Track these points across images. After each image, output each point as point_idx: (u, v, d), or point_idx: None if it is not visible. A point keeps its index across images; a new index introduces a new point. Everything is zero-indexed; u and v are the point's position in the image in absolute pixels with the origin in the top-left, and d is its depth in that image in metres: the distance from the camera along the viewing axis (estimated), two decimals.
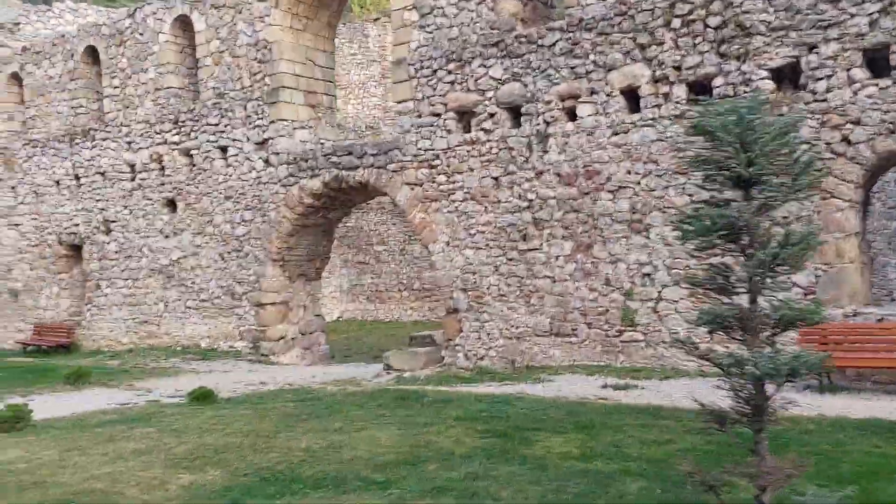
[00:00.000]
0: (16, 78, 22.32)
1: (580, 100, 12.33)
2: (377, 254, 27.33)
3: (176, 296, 18.37)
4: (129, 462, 6.91)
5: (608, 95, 12.02)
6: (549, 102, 12.64)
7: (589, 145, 12.22)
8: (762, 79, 10.57)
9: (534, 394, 10.24)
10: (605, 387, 10.61)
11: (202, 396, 10.35)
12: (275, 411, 9.35)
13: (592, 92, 12.19)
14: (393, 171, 14.59)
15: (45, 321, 21.15)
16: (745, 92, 10.34)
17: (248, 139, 16.91)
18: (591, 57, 12.12)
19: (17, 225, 22.19)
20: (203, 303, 17.83)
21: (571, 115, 12.50)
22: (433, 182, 14.07)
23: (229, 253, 17.34)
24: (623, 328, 11.91)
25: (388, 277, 27.26)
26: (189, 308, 18.12)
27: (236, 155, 17.14)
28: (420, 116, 14.23)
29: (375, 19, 35.95)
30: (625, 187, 11.91)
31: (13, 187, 22.20)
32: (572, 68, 12.36)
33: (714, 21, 10.97)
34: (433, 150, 14.05)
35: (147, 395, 11.49)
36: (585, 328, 12.31)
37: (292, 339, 17.03)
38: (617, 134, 11.96)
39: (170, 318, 18.49)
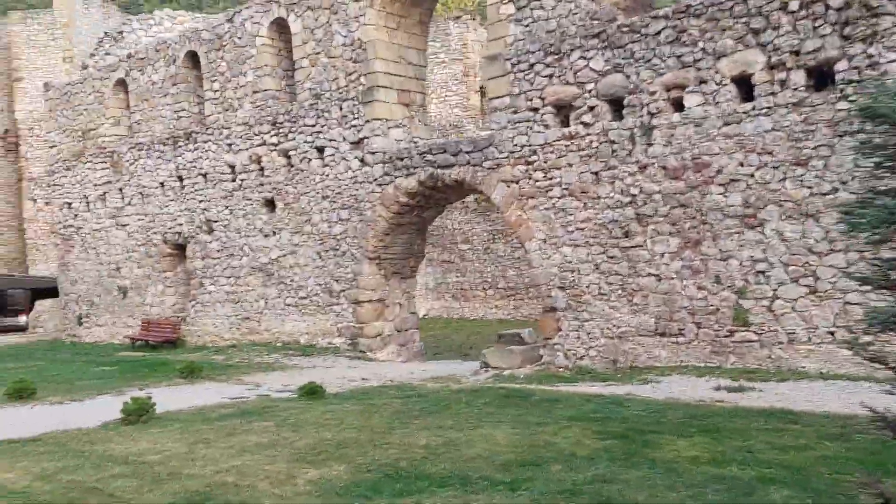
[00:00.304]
0: (121, 84, 23.43)
1: (687, 90, 11.89)
2: (462, 252, 27.36)
3: (275, 293, 18.84)
4: (255, 455, 7.07)
5: (718, 84, 11.55)
6: (653, 93, 12.26)
7: (697, 137, 11.78)
8: (891, 62, 9.91)
9: (643, 395, 9.94)
10: (718, 388, 10.20)
11: (311, 392, 10.53)
12: (385, 408, 9.41)
13: (701, 81, 11.73)
14: (489, 169, 14.49)
15: (151, 317, 22.10)
16: (873, 76, 9.73)
17: (344, 139, 17.15)
18: (700, 44, 11.67)
19: (124, 225, 23.29)
20: (302, 300, 18.22)
21: (677, 106, 12.08)
22: (530, 179, 13.89)
23: (327, 251, 17.65)
24: (735, 328, 11.43)
25: (473, 276, 27.26)
26: (288, 305, 18.56)
27: (332, 155, 17.42)
28: (516, 112, 14.07)
29: (457, 17, 35.86)
30: (737, 180, 11.42)
31: (121, 189, 23.31)
32: (678, 57, 11.94)
33: (836, 2, 10.36)
34: (530, 145, 13.87)
35: (256, 390, 11.79)
36: (693, 328, 11.88)
37: (388, 335, 17.19)
38: (728, 124, 11.47)
39: (270, 314, 18.99)
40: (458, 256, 27.39)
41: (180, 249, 21.93)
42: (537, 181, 13.78)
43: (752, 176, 11.26)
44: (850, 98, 10.08)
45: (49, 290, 29.93)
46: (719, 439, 7.01)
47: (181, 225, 21.33)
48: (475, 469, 6.35)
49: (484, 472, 6.26)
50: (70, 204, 25.19)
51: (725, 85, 11.50)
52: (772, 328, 11.07)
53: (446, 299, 28.23)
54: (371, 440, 7.47)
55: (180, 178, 21.30)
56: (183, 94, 21.45)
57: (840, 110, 10.28)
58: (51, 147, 26.31)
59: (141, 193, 22.62)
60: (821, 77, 10.56)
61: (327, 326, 17.66)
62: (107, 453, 7.37)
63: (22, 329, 29.71)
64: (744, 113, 11.32)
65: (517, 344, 21.41)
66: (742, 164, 11.36)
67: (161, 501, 5.86)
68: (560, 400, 9.48)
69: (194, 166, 20.81)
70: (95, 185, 24.11)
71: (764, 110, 11.11)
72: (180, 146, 21.22)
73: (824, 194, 10.57)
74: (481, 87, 31.37)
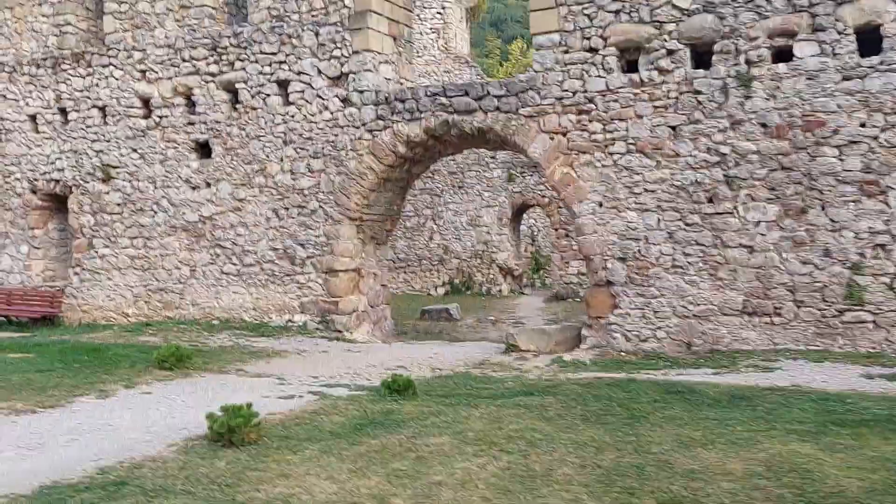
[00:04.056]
0: None
1: (798, 38, 10.48)
2: None
3: (208, 259, 15.17)
4: (541, 493, 4.48)
5: (840, 33, 10.24)
6: (753, 39, 10.72)
7: (810, 91, 10.42)
8: None
9: (811, 385, 8.36)
10: (868, 377, 8.90)
11: (402, 387, 7.79)
12: (540, 409, 7.00)
13: (816, 29, 10.37)
14: (527, 117, 12.25)
15: (12, 287, 17.19)
16: None
17: (320, 72, 13.96)
18: None
19: None
20: (248, 268, 14.77)
21: (782, 56, 10.65)
22: (583, 130, 11.86)
23: (287, 209, 14.37)
24: (846, 307, 10.27)
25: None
26: (226, 274, 15.00)
27: (302, 91, 14.14)
28: (567, 52, 11.95)
29: None
30: (857, 142, 10.21)
31: None
32: (790, 0, 10.49)
33: None
34: (585, 92, 11.83)
35: (289, 386, 8.71)
36: (793, 307, 10.58)
37: (363, 311, 14.38)
38: (849, 79, 10.22)
39: (198, 285, 15.28)
40: None
41: (56, 201, 17.23)
42: (593, 134, 11.78)
43: (877, 138, 10.11)
44: None
45: None
46: None
47: (61, 171, 16.69)
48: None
49: None
50: None
51: (847, 34, 10.22)
52: (891, 307, 10.02)
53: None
54: (638, 463, 5.16)
55: (63, 111, 16.63)
56: (70, 3, 16.73)
57: None
58: None
59: None
60: None
61: (284, 300, 14.43)
62: None
63: None
64: (869, 67, 10.11)
65: (445, 319, 19.61)
66: (864, 125, 10.17)
67: None
68: (748, 397, 7.59)
69: (86, 97, 16.29)
70: None
71: (894, 65, 9.96)
72: (64, 70, 16.54)
73: None
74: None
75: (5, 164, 17.37)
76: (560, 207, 23.06)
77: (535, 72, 12.21)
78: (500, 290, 24.11)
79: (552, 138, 12.06)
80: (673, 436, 5.97)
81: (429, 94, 13.06)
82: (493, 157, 23.73)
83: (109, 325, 15.51)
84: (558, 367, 10.64)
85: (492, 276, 24.37)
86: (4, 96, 17.29)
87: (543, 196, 23.52)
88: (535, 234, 27.55)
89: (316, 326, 13.93)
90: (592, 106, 11.77)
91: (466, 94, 12.76)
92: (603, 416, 6.76)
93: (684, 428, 6.25)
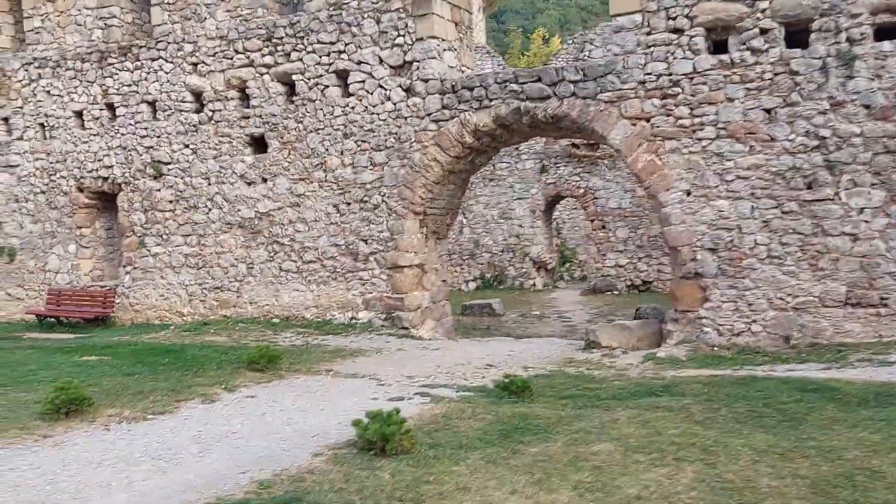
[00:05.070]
0: None
1: None
2: None
3: (265, 256, 14.76)
4: None
5: None
6: (855, 16, 10.18)
7: None
8: None
9: None
10: None
11: (519, 389, 7.34)
12: (682, 411, 6.52)
13: None
14: (606, 102, 11.75)
15: (61, 287, 16.84)
16: None
17: (382, 62, 13.48)
18: None
19: (12, 167, 17.59)
20: (308, 265, 14.35)
21: (887, 33, 10.11)
22: (669, 115, 11.36)
23: (349, 204, 13.93)
24: None
25: None
26: (285, 271, 14.59)
27: (362, 82, 13.68)
28: (650, 33, 11.44)
29: None
30: None
31: (6, 120, 17.56)
32: None
33: None
34: (670, 74, 11.31)
35: (390, 387, 8.26)
36: None
37: (427, 308, 13.94)
38: None
39: (255, 283, 14.88)
40: None
41: (105, 199, 16.87)
42: (680, 119, 11.27)
43: None
44: None
45: None
46: None
47: (110, 168, 16.31)
48: None
49: None
50: None
51: None
52: None
53: None
54: (865, 472, 4.68)
55: (110, 107, 16.24)
56: None
57: None
58: None
59: (42, 125, 17.12)
60: None
61: (347, 297, 14.00)
62: None
63: None
64: None
65: (487, 315, 19.15)
66: None
67: None
68: None
69: (135, 91, 15.89)
70: None
71: None
72: (111, 64, 16.13)
73: None
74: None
75: (51, 162, 17.01)
76: (595, 198, 22.59)
77: (615, 55, 11.69)
78: (533, 285, 23.66)
79: (634, 124, 11.56)
80: (852, 440, 5.49)
81: (498, 80, 12.57)
82: (525, 148, 23.19)
83: (165, 324, 15.12)
84: (654, 364, 10.17)
85: (525, 270, 23.91)
86: (49, 92, 16.92)
87: (578, 187, 23.01)
88: (561, 225, 27.02)
89: (381, 324, 13.50)
90: (678, 89, 11.26)
91: (539, 79, 12.26)
92: (756, 417, 6.29)
93: (855, 430, 5.77)
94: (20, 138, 17.38)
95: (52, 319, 16.37)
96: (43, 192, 17.20)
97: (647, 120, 11.47)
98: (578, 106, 11.93)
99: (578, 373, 9.57)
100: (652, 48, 11.40)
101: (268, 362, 8.75)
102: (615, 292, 21.78)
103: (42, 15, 17.07)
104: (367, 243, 13.78)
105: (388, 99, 13.47)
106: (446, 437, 5.67)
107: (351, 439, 5.54)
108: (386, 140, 13.51)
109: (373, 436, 5.13)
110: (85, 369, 8.99)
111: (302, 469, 4.96)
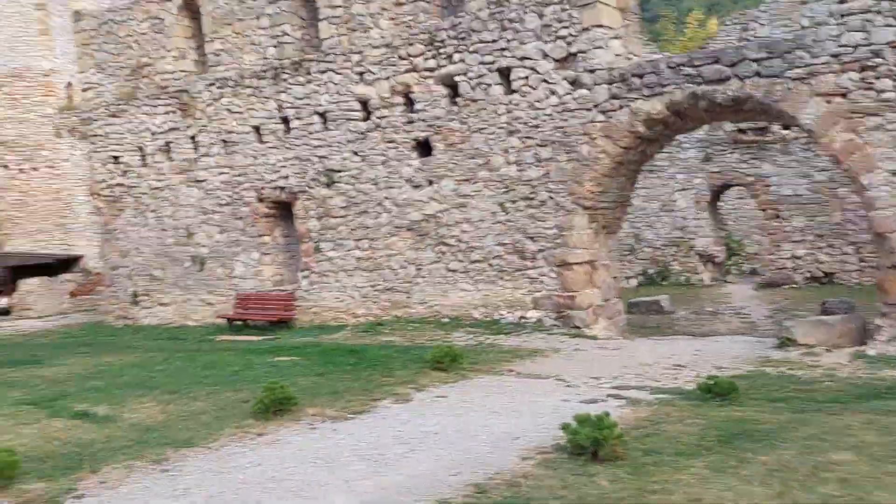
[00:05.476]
0: (189, 8, 19.05)
1: None
2: None
3: (433, 257, 14.99)
4: None
5: None
6: None
7: None
8: None
9: None
10: None
11: (725, 391, 6.86)
12: None
13: None
14: (795, 80, 10.83)
15: (248, 292, 18.02)
16: None
17: (545, 55, 13.27)
18: None
19: (200, 181, 19.03)
20: (475, 264, 14.42)
21: None
22: (869, 90, 10.30)
23: (514, 202, 13.84)
24: None
25: None
26: (452, 272, 14.74)
27: (526, 78, 13.53)
28: (844, 1, 10.42)
29: None
30: None
31: (193, 137, 19.01)
32: None
33: None
34: (869, 45, 10.25)
35: (578, 389, 8.03)
36: None
37: (599, 306, 13.55)
38: None
39: (424, 284, 15.15)
40: None
41: (282, 208, 17.85)
42: (882, 92, 10.20)
43: None
44: None
45: (38, 268, 25.54)
46: None
47: (286, 178, 17.23)
48: None
49: None
50: (117, 158, 20.61)
51: None
52: None
53: None
54: None
55: (285, 120, 17.15)
56: (285, 14, 17.22)
57: None
58: (84, 90, 21.67)
59: (224, 141, 18.37)
60: None
61: (515, 296, 13.91)
62: None
63: (4, 313, 25.00)
64: None
65: (655, 312, 18.21)
66: None
67: None
68: None
69: (307, 104, 16.68)
70: (155, 133, 19.64)
71: None
72: (284, 80, 17.04)
73: None
74: None
75: (234, 175, 18.23)
76: (767, 185, 21.02)
77: (803, 27, 10.77)
78: (700, 280, 22.40)
79: (829, 101, 10.59)
80: None
81: (671, 65, 11.99)
82: (685, 137, 21.98)
83: (341, 325, 15.77)
84: (865, 363, 9.25)
85: (690, 265, 22.70)
86: (230, 110, 18.14)
87: (747, 175, 21.49)
88: (726, 216, 25.38)
89: (553, 322, 13.29)
90: (880, 60, 10.19)
91: (717, 61, 11.54)
92: None
93: None
94: (206, 154, 18.78)
95: (240, 322, 17.56)
96: (228, 204, 18.47)
97: (844, 95, 10.47)
98: (763, 85, 11.10)
99: (780, 373, 8.87)
100: (846, 18, 10.38)
101: (451, 362, 8.82)
102: (794, 286, 20.22)
103: (221, 38, 18.35)
104: (533, 241, 13.62)
105: (553, 93, 13.23)
106: (659, 443, 5.38)
107: (556, 443, 5.39)
108: (551, 135, 13.29)
109: (584, 440, 4.94)
110: (280, 369, 9.50)
111: (516, 473, 4.87)
